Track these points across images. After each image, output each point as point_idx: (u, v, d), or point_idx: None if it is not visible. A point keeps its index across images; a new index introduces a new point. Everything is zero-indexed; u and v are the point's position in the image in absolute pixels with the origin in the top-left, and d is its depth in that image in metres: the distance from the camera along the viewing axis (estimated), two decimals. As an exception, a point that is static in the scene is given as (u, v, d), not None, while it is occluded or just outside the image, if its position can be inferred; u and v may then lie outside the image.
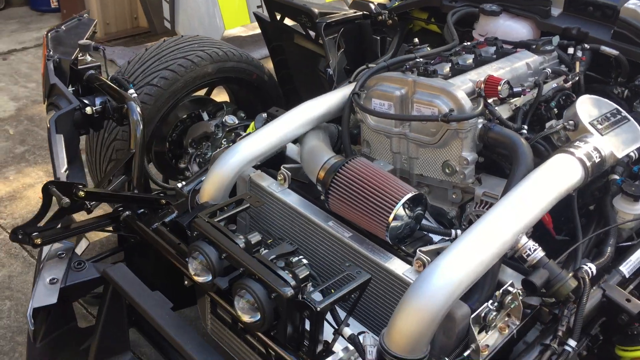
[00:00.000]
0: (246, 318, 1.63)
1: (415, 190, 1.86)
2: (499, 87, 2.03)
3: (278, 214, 2.14)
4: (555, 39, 2.50)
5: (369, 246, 1.90)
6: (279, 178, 2.15)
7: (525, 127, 2.12)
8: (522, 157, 1.91)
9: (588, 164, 1.87)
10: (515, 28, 2.70)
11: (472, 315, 1.58)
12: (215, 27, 5.42)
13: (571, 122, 2.04)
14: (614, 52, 2.45)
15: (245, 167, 2.16)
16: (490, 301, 1.61)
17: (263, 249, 1.82)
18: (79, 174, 2.26)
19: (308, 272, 1.70)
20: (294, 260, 1.78)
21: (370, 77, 2.26)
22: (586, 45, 2.47)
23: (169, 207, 2.20)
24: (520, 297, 1.67)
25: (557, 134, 2.09)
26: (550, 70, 2.32)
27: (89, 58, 2.44)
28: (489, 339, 1.65)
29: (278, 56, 3.56)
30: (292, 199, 2.09)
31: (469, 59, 2.36)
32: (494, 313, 1.60)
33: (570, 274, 1.67)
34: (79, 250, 2.31)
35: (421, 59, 2.30)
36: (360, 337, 1.65)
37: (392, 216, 1.80)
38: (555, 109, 2.19)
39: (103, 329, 1.94)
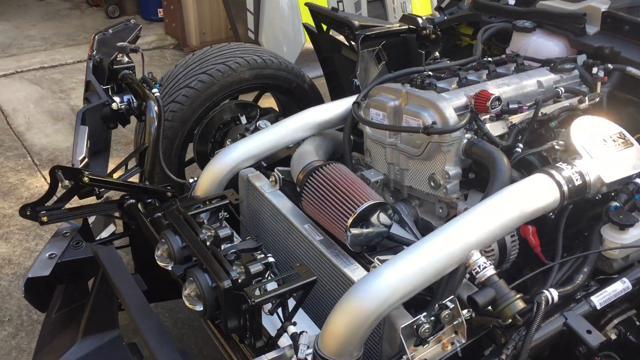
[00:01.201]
0: (190, 305, 1.72)
1: (378, 199, 1.87)
2: (488, 103, 1.98)
3: (267, 214, 2.22)
4: (581, 58, 2.39)
5: (334, 251, 1.92)
6: (271, 180, 2.23)
7: (521, 145, 2.05)
8: (498, 173, 1.86)
9: (565, 187, 1.78)
10: (546, 45, 2.60)
11: (402, 326, 1.56)
12: (297, 39, 5.60)
13: (561, 142, 1.95)
14: (641, 73, 2.30)
15: (239, 166, 2.26)
16: (424, 314, 1.58)
17: (228, 243, 1.91)
18: (102, 164, 2.48)
19: (262, 268, 1.77)
20: (258, 256, 1.86)
21: (373, 87, 2.29)
22: (609, 66, 2.33)
23: (174, 200, 2.34)
24: (467, 315, 1.63)
25: (553, 153, 2.01)
26: (563, 90, 2.23)
27: (125, 59, 2.66)
28: (428, 354, 1.62)
29: (328, 67, 3.64)
30: (278, 200, 2.16)
31: (483, 75, 2.32)
32: (427, 326, 1.57)
33: (518, 296, 1.60)
34: (105, 233, 2.53)
35: (429, 72, 2.30)
36: (301, 336, 1.69)
37: (350, 221, 1.82)
38: (556, 129, 2.10)
39: (92, 306, 2.10)
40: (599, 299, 1.74)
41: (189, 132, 3.04)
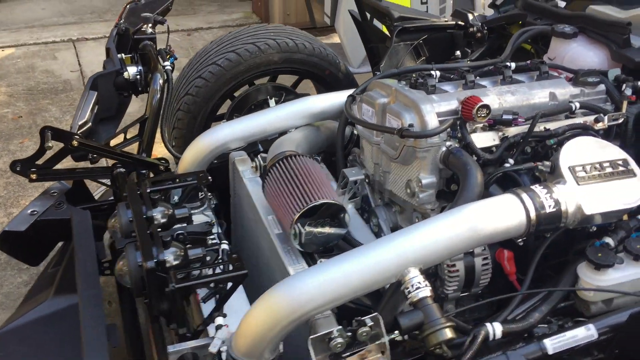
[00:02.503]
0: (119, 279, 1.70)
1: (334, 199, 1.76)
2: (474, 110, 1.81)
3: (245, 199, 2.16)
4: (613, 72, 2.13)
5: (287, 247, 1.85)
6: (252, 166, 2.17)
7: (511, 160, 1.86)
8: (466, 188, 1.69)
9: (533, 213, 1.58)
10: (585, 55, 2.34)
11: (311, 337, 1.46)
12: (373, 27, 5.46)
13: (547, 163, 1.74)
14: (676, 96, 2.01)
15: (225, 146, 2.21)
16: (338, 328, 1.47)
17: (183, 224, 1.87)
18: (109, 130, 2.52)
19: (201, 254, 1.72)
20: (210, 241, 1.82)
21: (370, 82, 2.16)
22: (638, 83, 2.05)
23: (146, 174, 2.34)
24: (395, 336, 1.50)
25: (542, 175, 1.80)
26: (577, 105, 1.98)
27: (149, 30, 2.69)
28: (346, 370, 1.51)
29: (375, 58, 3.50)
30: (254, 187, 2.11)
31: (496, 80, 2.12)
32: (339, 341, 1.45)
33: (447, 324, 1.45)
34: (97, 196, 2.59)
35: (437, 71, 2.13)
36: (219, 330, 1.63)
37: (296, 216, 1.73)
38: (555, 147, 1.88)
39: (65, 268, 2.14)
40: (553, 343, 1.54)
41: (212, 109, 3.04)
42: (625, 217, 1.83)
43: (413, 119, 1.85)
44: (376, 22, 3.27)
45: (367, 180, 2.15)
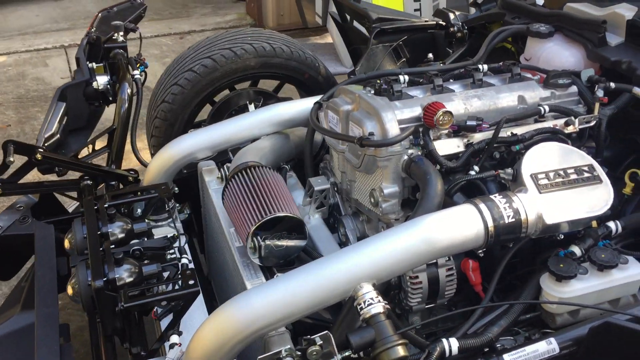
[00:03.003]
0: (71, 299, 1.67)
1: (292, 213, 1.71)
2: (435, 117, 1.75)
3: (211, 210, 2.12)
4: (586, 72, 2.06)
5: (247, 261, 1.80)
6: (217, 176, 2.13)
7: (476, 167, 1.80)
8: (425, 198, 1.64)
9: (491, 224, 1.53)
10: (561, 55, 2.27)
11: (260, 357, 1.41)
12: (365, 26, 5.40)
13: (509, 170, 1.68)
14: (649, 96, 1.94)
15: (192, 156, 2.17)
16: (287, 347, 1.42)
17: (143, 239, 1.83)
18: (79, 141, 2.49)
19: (155, 270, 1.69)
20: (169, 256, 1.78)
21: (337, 88, 2.11)
22: (611, 85, 1.98)
23: (105, 188, 2.30)
24: (346, 354, 1.45)
25: (508, 183, 1.74)
26: (547, 108, 1.92)
27: (120, 38, 2.65)
28: (298, 390, 1.46)
29: (358, 59, 3.45)
30: (218, 198, 2.06)
31: (467, 83, 2.07)
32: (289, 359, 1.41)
33: (400, 341, 1.39)
34: (70, 209, 2.56)
35: (405, 76, 2.08)
36: (171, 350, 1.59)
37: (252, 229, 1.69)
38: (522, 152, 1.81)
39: (31, 284, 2.11)
40: (512, 359, 1.49)
41: (190, 116, 3.00)
42: (594, 224, 1.77)
43: (374, 127, 1.80)
44: (357, 24, 3.22)
45: (336, 189, 2.11)
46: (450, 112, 1.75)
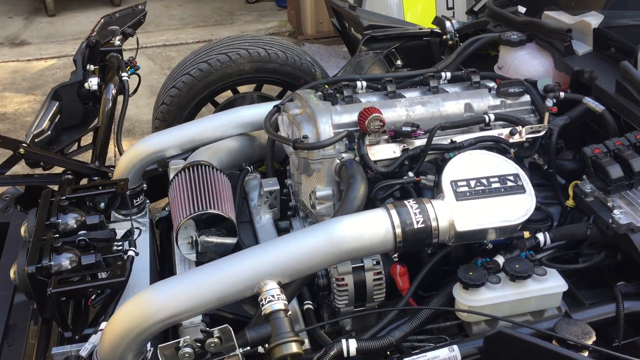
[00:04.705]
0: (14, 282, 1.79)
1: (223, 212, 1.78)
2: (366, 122, 1.78)
3: (174, 207, 2.22)
4: (542, 82, 2.02)
5: (184, 256, 1.87)
6: (181, 174, 2.22)
7: (410, 173, 1.81)
8: (345, 201, 1.67)
9: (399, 229, 1.54)
10: (528, 63, 2.24)
11: (160, 346, 1.48)
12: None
13: (431, 177, 1.69)
14: (599, 107, 1.88)
15: (160, 154, 2.25)
16: (186, 337, 1.48)
17: (88, 231, 1.94)
18: (71, 138, 2.65)
19: (93, 260, 1.79)
20: (115, 247, 1.88)
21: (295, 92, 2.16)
22: (561, 94, 1.94)
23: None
24: (247, 348, 1.50)
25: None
26: (492, 117, 1.90)
27: (117, 42, 2.80)
28: (200, 380, 1.52)
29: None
30: (177, 195, 2.15)
31: (422, 91, 2.08)
32: (187, 350, 1.46)
33: (294, 338, 1.43)
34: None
35: (363, 82, 2.11)
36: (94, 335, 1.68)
37: (180, 224, 1.77)
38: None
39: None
40: (411, 363, 1.50)
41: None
42: (526, 234, 1.74)
43: (310, 130, 1.84)
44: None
45: (291, 191, 2.16)
46: (380, 118, 1.77)
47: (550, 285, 1.60)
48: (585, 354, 1.37)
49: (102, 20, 2.96)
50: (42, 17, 7.38)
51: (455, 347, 1.51)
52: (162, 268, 2.30)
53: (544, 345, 1.36)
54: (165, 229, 2.57)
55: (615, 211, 1.63)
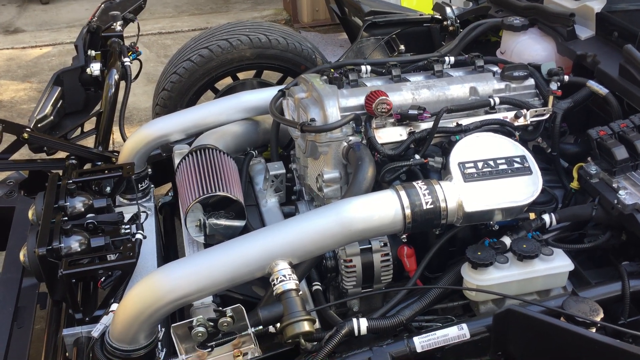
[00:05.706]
0: (23, 264, 1.80)
1: (232, 195, 1.79)
2: (373, 105, 1.79)
3: (180, 191, 2.23)
4: (546, 66, 2.04)
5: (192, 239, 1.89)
6: (186, 158, 2.23)
7: (417, 156, 1.82)
8: (353, 183, 1.68)
9: (408, 210, 1.55)
10: (531, 48, 2.26)
11: (173, 325, 1.50)
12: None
13: (439, 159, 1.70)
14: (603, 90, 1.90)
15: (164, 138, 2.25)
16: (199, 317, 1.50)
17: (96, 214, 1.95)
18: (74, 123, 2.65)
19: (102, 243, 1.80)
20: (123, 230, 1.89)
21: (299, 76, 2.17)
22: (565, 78, 1.96)
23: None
24: (259, 327, 1.52)
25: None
26: (497, 100, 1.92)
27: (118, 27, 2.79)
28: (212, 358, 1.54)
29: (360, 53, 3.49)
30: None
31: (429, 74, 2.09)
32: (200, 330, 1.48)
33: (306, 317, 1.45)
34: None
35: (368, 66, 2.12)
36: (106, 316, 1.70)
37: (189, 206, 1.78)
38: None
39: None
40: (421, 341, 1.51)
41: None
42: (532, 216, 1.77)
43: (317, 114, 1.85)
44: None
45: (296, 175, 2.17)
46: (387, 101, 1.78)
47: (557, 264, 1.62)
48: (594, 330, 1.40)
49: (102, 5, 2.95)
50: (35, 4, 7.33)
51: (464, 325, 1.53)
52: (167, 253, 2.32)
53: (554, 322, 1.38)
54: (169, 214, 2.58)
55: (620, 192, 1.66)
